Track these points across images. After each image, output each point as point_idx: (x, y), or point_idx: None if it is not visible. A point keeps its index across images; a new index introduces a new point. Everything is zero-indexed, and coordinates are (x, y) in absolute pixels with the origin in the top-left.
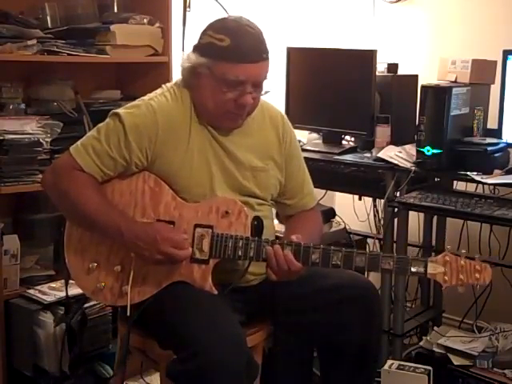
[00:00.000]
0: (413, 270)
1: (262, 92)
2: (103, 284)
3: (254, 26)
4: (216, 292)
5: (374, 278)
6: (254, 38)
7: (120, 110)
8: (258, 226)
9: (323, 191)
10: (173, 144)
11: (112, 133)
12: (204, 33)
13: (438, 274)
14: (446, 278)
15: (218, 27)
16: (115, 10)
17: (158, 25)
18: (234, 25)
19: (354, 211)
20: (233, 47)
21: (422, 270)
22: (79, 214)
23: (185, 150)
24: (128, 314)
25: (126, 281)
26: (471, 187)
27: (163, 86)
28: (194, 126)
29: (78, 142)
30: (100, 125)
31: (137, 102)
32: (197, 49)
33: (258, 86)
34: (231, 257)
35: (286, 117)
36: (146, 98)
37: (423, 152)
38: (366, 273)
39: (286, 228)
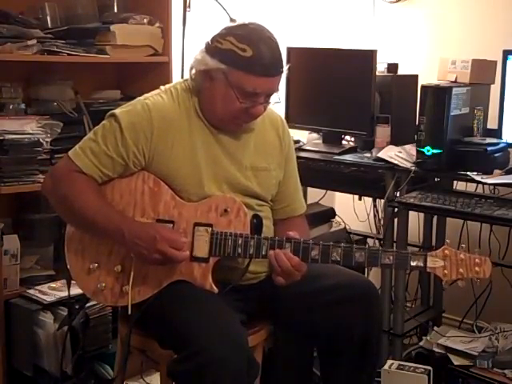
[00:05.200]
0: (412, 264)
1: (272, 102)
2: (104, 284)
3: (274, 37)
4: (217, 290)
5: (374, 277)
6: (275, 52)
7: (116, 111)
8: (257, 223)
9: (323, 191)
10: (169, 143)
11: (109, 133)
12: (224, 37)
13: (437, 268)
14: (446, 271)
15: (241, 35)
16: (115, 10)
17: (157, 25)
18: (256, 35)
19: (354, 211)
20: (254, 59)
21: (421, 264)
22: (78, 217)
23: (182, 151)
24: (129, 312)
25: (126, 281)
26: (471, 187)
27: (161, 87)
28: (194, 127)
29: (76, 146)
30: (97, 127)
31: (132, 101)
32: (215, 53)
33: (270, 96)
34: (231, 255)
35: (284, 120)
36: (141, 97)
37: (423, 152)
38: (366, 271)
39: (275, 234)
